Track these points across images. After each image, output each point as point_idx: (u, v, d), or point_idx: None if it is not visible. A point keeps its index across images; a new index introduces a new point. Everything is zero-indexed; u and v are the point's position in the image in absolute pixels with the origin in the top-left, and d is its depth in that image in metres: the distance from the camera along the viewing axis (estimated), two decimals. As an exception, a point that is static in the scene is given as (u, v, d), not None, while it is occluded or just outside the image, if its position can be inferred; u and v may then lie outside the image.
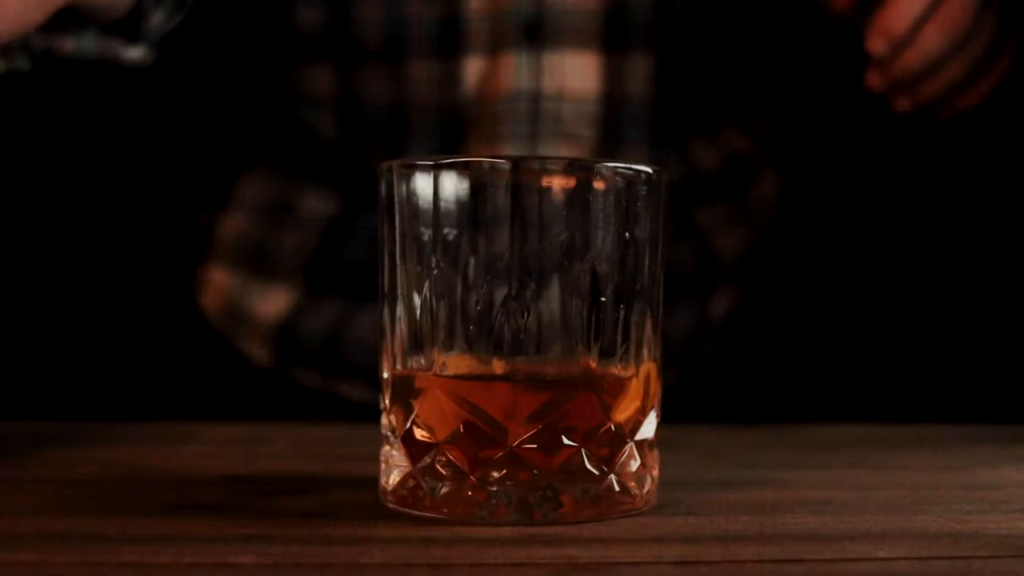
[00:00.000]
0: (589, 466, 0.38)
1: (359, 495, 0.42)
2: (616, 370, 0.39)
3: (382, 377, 0.41)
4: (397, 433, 0.40)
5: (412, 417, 0.39)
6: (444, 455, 0.38)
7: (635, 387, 0.39)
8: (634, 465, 0.40)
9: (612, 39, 0.70)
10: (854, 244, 0.89)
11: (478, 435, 0.37)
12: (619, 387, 0.39)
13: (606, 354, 0.39)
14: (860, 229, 0.89)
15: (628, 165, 0.39)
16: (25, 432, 0.56)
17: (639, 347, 0.40)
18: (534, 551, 0.34)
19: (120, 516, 0.38)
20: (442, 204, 0.38)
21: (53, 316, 0.94)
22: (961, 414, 0.64)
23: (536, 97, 0.69)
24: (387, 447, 0.40)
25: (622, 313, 0.39)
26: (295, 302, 0.75)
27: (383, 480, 0.41)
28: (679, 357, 0.75)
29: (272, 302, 0.76)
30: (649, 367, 0.40)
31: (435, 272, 0.38)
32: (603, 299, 0.38)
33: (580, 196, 0.38)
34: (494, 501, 0.37)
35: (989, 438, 0.58)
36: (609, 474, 0.39)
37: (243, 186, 0.77)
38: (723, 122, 0.76)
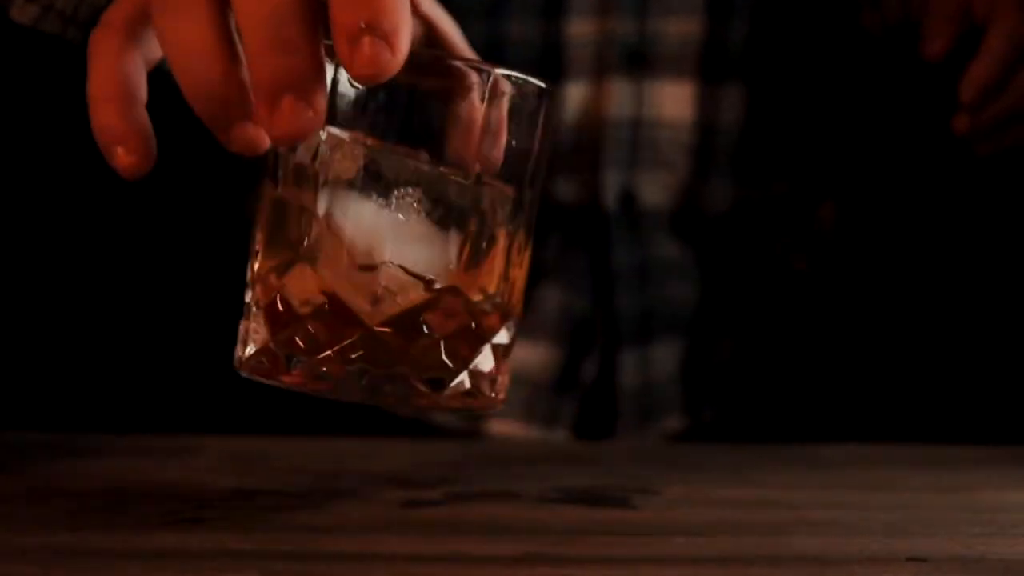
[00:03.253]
0: (445, 359, 0.39)
1: (364, 509, 0.42)
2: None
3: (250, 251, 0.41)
4: (260, 305, 0.40)
5: (278, 290, 0.39)
6: (305, 329, 0.38)
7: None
8: (487, 366, 0.40)
9: (709, 69, 0.71)
10: (857, 266, 0.89)
11: (342, 314, 0.38)
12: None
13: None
14: (863, 251, 0.89)
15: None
16: (30, 443, 0.56)
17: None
18: (535, 570, 0.34)
19: (124, 530, 0.38)
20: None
21: (60, 326, 0.94)
22: (966, 434, 0.64)
23: (636, 124, 0.70)
24: (246, 320, 0.41)
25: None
26: None
27: (239, 351, 0.41)
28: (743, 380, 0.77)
29: None
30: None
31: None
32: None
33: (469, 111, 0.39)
34: (347, 378, 0.38)
35: (995, 459, 0.58)
36: (463, 370, 0.39)
37: None
38: (804, 156, 0.77)
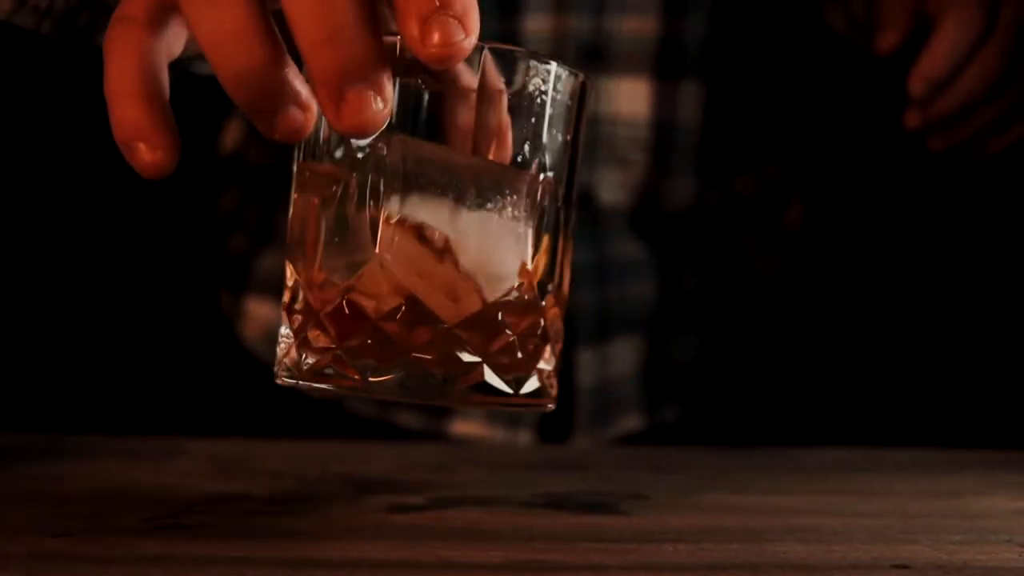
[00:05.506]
0: (520, 356, 0.39)
1: (348, 514, 0.42)
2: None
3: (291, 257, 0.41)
4: (319, 311, 0.39)
5: (343, 294, 0.38)
6: (380, 332, 0.37)
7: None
8: (551, 363, 0.40)
9: (665, 67, 0.71)
10: (842, 269, 0.90)
11: (420, 315, 0.37)
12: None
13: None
14: (847, 254, 0.90)
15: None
16: (13, 445, 0.56)
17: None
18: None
19: (108, 536, 0.38)
20: None
21: (45, 328, 0.93)
22: (949, 438, 0.64)
23: (593, 121, 0.71)
24: (294, 328, 0.40)
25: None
26: None
27: (289, 361, 0.40)
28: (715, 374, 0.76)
29: None
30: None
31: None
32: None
33: (520, 101, 0.39)
34: (421, 380, 0.37)
35: (977, 463, 0.58)
36: (533, 369, 0.39)
37: (283, 221, 0.77)
38: (765, 153, 0.77)
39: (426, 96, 0.38)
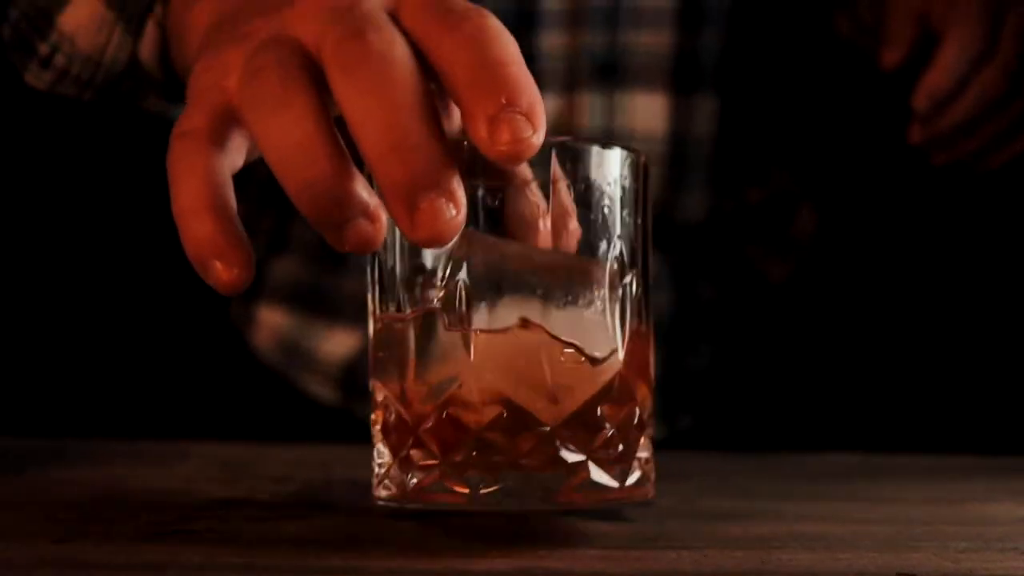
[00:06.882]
0: (621, 448, 0.38)
1: (353, 520, 0.42)
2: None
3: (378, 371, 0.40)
4: (418, 428, 0.38)
5: (443, 409, 0.38)
6: (484, 441, 0.37)
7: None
8: (647, 451, 0.40)
9: (681, 81, 0.71)
10: (852, 276, 0.89)
11: (521, 419, 0.37)
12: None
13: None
14: (857, 261, 0.90)
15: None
16: (17, 449, 0.56)
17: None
18: (527, 585, 0.34)
19: (112, 542, 0.38)
20: None
21: (50, 331, 0.94)
22: (955, 445, 0.64)
23: (609, 136, 0.71)
24: (393, 447, 0.39)
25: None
26: (363, 343, 0.74)
27: (395, 483, 0.39)
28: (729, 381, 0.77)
29: (338, 343, 0.76)
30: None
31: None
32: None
33: (582, 186, 0.38)
34: (528, 486, 0.37)
35: (983, 470, 0.58)
36: (633, 459, 0.39)
37: (296, 229, 0.77)
38: (777, 162, 0.77)
39: (493, 195, 0.37)
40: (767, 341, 0.79)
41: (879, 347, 0.89)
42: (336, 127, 0.34)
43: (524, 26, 0.70)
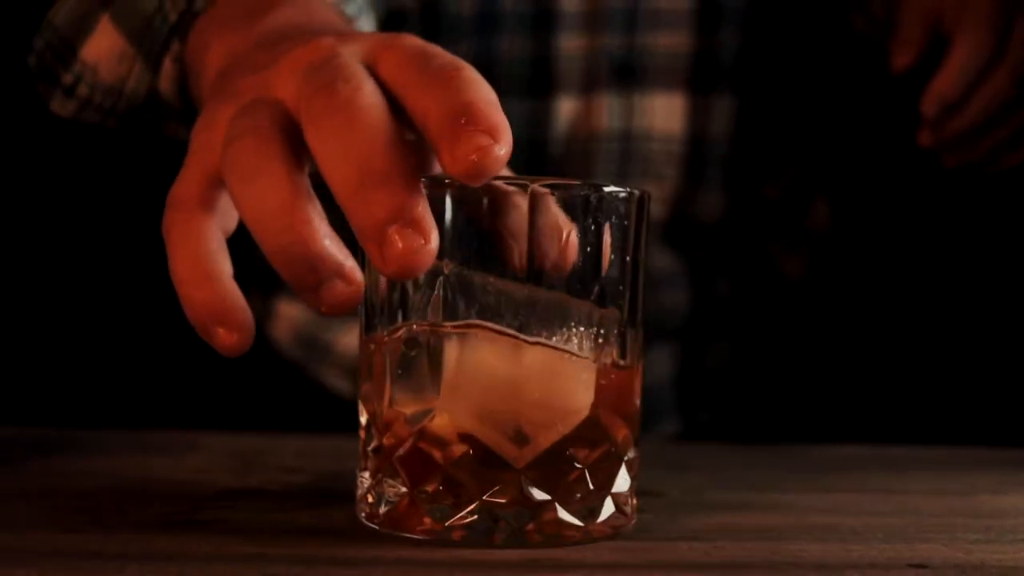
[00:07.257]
0: (592, 487, 0.38)
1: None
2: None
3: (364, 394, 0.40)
4: (392, 454, 0.38)
5: (414, 439, 0.38)
6: (449, 477, 0.37)
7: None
8: (625, 486, 0.40)
9: (699, 81, 0.71)
10: (851, 266, 0.89)
11: (487, 459, 0.37)
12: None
13: None
14: (863, 251, 0.89)
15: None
16: (27, 439, 0.56)
17: None
18: (537, 575, 0.34)
19: (122, 533, 0.38)
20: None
21: (58, 322, 0.94)
22: (965, 437, 0.64)
23: (627, 137, 0.71)
24: (371, 470, 0.39)
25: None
26: None
27: (366, 503, 0.40)
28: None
29: (356, 336, 0.75)
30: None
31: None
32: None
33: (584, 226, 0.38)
34: (492, 525, 0.37)
35: (994, 462, 0.58)
36: (607, 496, 0.38)
37: None
38: (793, 159, 0.77)
39: (478, 229, 0.37)
40: (783, 337, 0.79)
41: (891, 342, 0.89)
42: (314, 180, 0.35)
43: (543, 28, 0.70)
